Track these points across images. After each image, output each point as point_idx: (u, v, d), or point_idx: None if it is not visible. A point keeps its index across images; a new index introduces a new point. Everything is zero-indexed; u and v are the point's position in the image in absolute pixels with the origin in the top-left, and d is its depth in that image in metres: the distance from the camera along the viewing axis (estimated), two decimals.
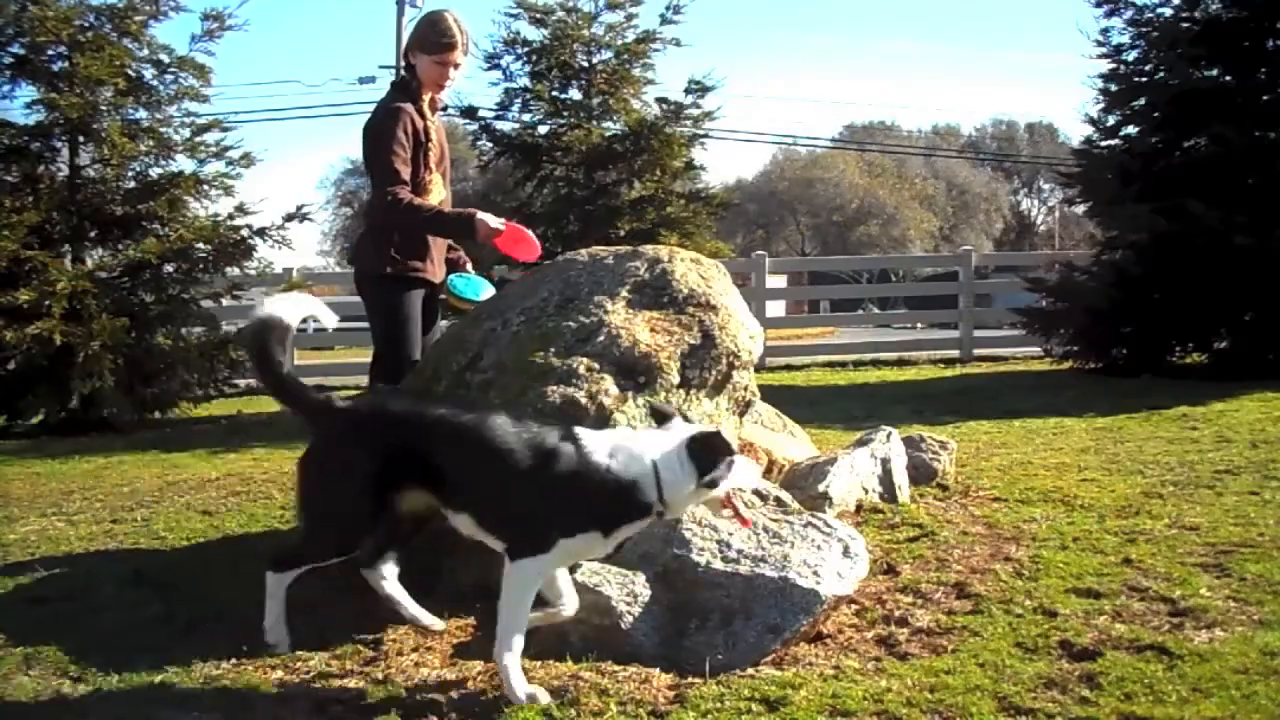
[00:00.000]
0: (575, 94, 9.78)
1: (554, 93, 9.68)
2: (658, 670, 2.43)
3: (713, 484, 2.36)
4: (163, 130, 8.23)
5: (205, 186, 8.24)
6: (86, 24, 7.87)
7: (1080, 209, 13.06)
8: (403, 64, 3.76)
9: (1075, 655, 2.43)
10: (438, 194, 3.70)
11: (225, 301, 9.16)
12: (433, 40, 3.63)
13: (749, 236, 42.15)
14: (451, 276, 3.79)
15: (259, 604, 3.07)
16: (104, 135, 7.80)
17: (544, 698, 2.26)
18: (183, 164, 8.33)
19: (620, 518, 2.38)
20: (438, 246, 3.75)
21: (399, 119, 3.55)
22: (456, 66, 3.67)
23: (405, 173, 3.53)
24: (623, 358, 3.07)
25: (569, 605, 2.54)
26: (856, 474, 3.74)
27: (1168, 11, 9.16)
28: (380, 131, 3.56)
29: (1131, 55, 9.37)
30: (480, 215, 3.53)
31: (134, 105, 8.20)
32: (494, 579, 3.00)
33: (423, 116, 3.64)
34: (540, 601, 2.47)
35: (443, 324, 4.02)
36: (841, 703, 2.22)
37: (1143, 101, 9.22)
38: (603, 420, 2.97)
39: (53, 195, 7.79)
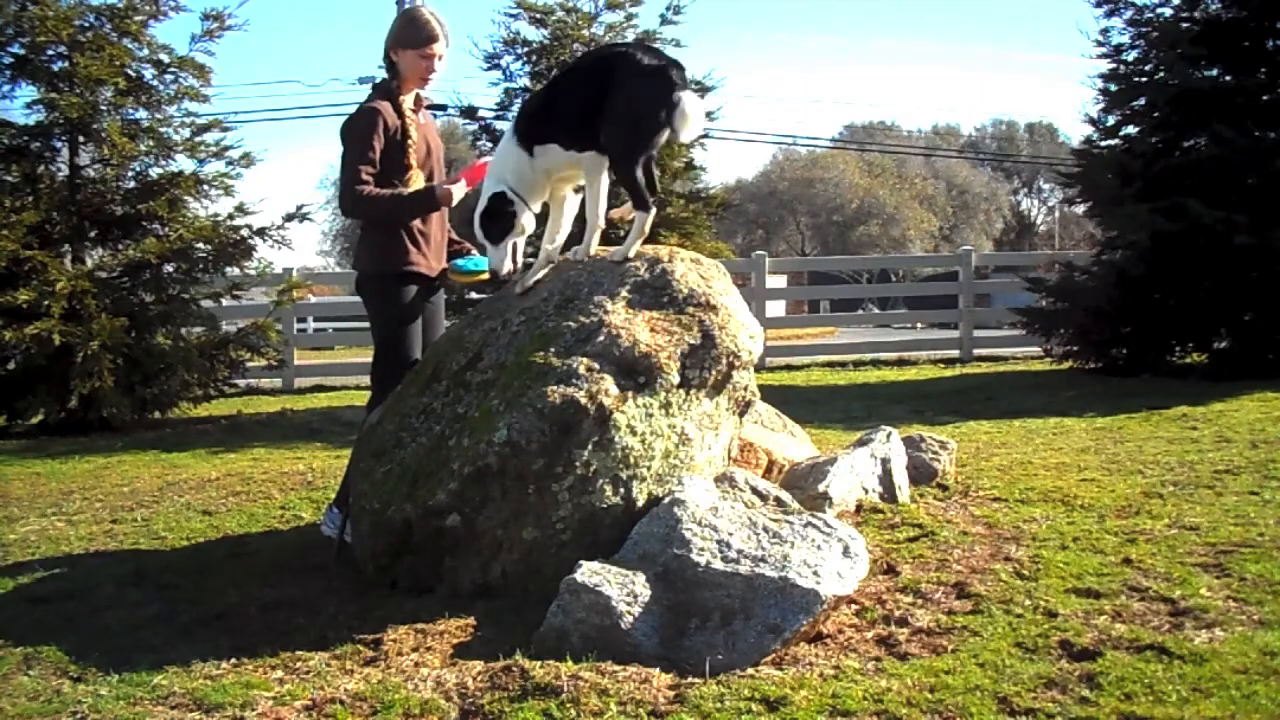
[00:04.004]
0: None
1: None
2: (658, 670, 2.43)
3: None
4: (163, 130, 8.20)
5: (205, 186, 8.22)
6: (86, 24, 7.85)
7: (1080, 209, 13.04)
8: (384, 64, 3.76)
9: (1075, 655, 2.43)
10: None
11: (225, 301, 9.17)
12: (413, 34, 3.65)
13: (749, 236, 42.14)
14: (454, 261, 3.85)
15: (259, 604, 3.09)
16: (104, 135, 7.78)
17: None
18: (183, 164, 8.31)
19: None
20: (433, 240, 3.76)
21: (371, 119, 3.59)
22: (440, 59, 3.69)
23: (368, 172, 3.56)
24: (623, 358, 3.07)
25: None
26: (856, 474, 3.74)
27: (1168, 11, 9.15)
28: (351, 132, 3.61)
29: (1131, 55, 9.36)
30: (438, 185, 3.59)
31: (134, 105, 8.17)
32: (494, 579, 3.02)
33: (401, 114, 3.65)
34: None
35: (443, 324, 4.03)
36: (841, 703, 2.22)
37: (1143, 101, 9.21)
38: (603, 421, 2.98)
39: (53, 195, 7.78)
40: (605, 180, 3.45)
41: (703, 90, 9.61)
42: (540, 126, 3.40)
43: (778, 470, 3.76)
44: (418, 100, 3.78)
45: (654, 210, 3.41)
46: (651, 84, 3.25)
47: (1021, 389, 8.19)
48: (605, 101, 3.25)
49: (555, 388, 2.98)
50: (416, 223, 3.66)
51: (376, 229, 3.71)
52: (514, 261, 3.49)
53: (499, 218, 3.41)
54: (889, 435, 4.02)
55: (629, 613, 2.57)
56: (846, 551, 2.78)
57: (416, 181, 3.68)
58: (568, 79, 3.66)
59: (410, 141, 3.65)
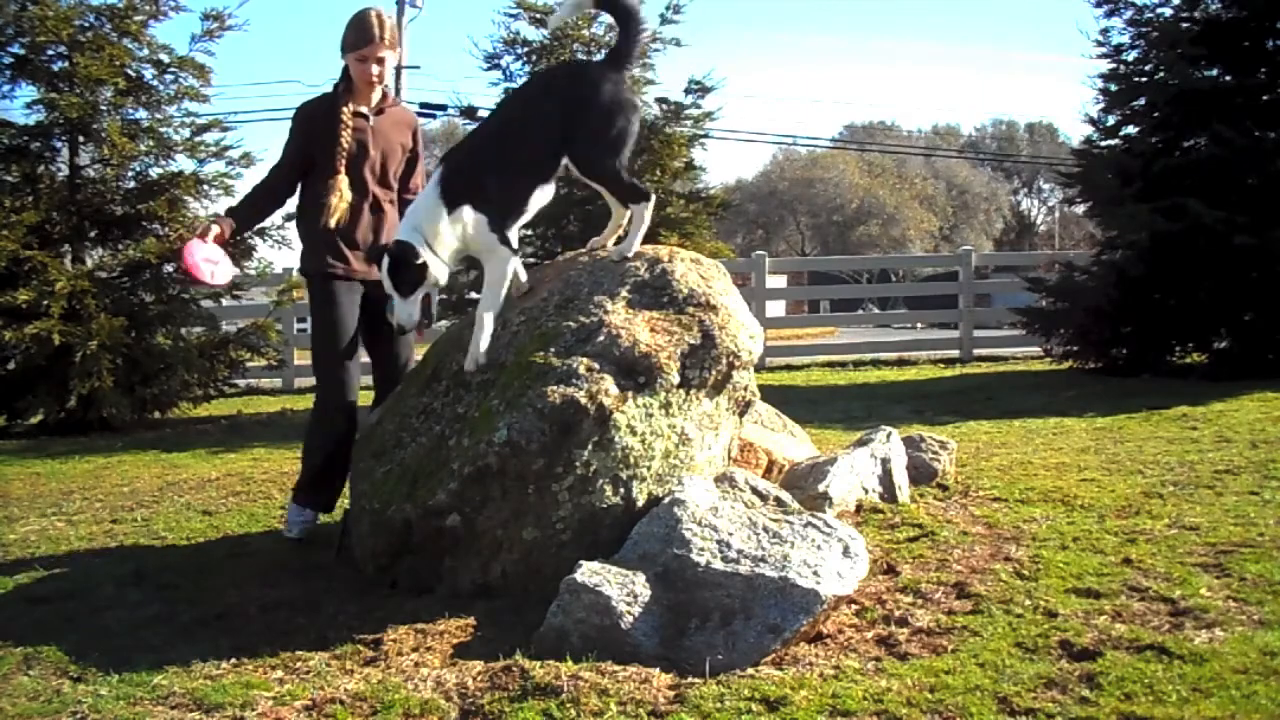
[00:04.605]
0: None
1: None
2: (658, 670, 2.43)
3: None
4: (163, 130, 8.21)
5: (205, 186, 8.23)
6: (86, 24, 7.86)
7: (1080, 209, 13.04)
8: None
9: (1075, 655, 2.43)
10: (341, 196, 3.67)
11: (225, 301, 9.16)
12: (352, 38, 3.66)
13: (749, 236, 42.17)
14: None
15: (259, 604, 3.09)
16: (104, 135, 7.78)
17: None
18: (183, 164, 8.31)
19: None
20: (361, 244, 3.73)
21: (301, 120, 3.74)
22: (381, 62, 3.68)
23: (276, 166, 3.78)
24: (623, 358, 3.07)
25: None
26: (856, 474, 3.74)
27: (1168, 11, 9.16)
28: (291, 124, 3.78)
29: (1131, 55, 9.36)
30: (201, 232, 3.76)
31: (134, 105, 8.17)
32: (494, 579, 3.02)
33: (336, 118, 3.65)
34: None
35: (441, 324, 4.02)
36: (841, 703, 2.22)
37: (1143, 101, 9.21)
38: (603, 421, 2.98)
39: (53, 195, 7.79)
40: (510, 275, 3.28)
41: (703, 90, 9.62)
42: (465, 187, 3.18)
43: (778, 470, 3.76)
44: (384, 97, 3.79)
45: (653, 199, 3.35)
46: (622, 89, 3.24)
47: (1021, 389, 8.19)
48: (571, 120, 3.20)
49: (555, 388, 2.98)
50: (335, 226, 3.66)
51: (297, 230, 3.86)
52: (426, 315, 3.28)
53: (407, 269, 3.13)
54: (889, 435, 4.02)
55: (629, 613, 2.57)
56: (846, 551, 2.78)
57: (340, 186, 3.66)
58: (504, 127, 3.37)
59: (339, 148, 3.64)
